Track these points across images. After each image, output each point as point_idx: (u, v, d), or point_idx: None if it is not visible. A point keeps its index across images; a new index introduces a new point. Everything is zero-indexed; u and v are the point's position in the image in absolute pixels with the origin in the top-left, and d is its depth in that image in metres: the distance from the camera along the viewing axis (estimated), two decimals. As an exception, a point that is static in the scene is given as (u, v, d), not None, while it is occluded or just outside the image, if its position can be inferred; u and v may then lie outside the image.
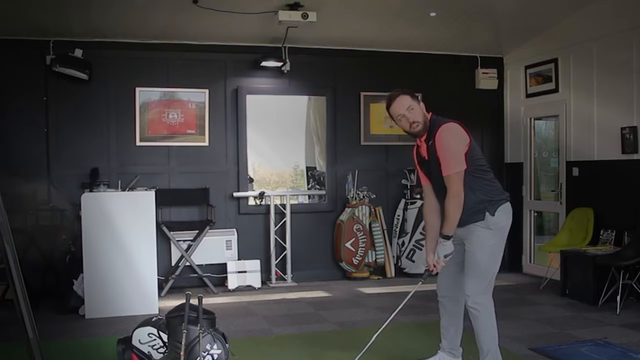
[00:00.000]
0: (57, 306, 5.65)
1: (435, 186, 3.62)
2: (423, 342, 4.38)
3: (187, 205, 6.92)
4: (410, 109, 3.54)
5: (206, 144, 7.00)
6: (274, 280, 7.01)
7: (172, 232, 6.59)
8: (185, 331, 3.33)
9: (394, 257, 7.53)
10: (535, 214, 7.72)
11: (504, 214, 3.54)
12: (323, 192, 7.58)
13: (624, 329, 4.91)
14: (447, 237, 3.51)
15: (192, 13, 5.88)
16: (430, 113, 3.64)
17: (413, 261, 7.35)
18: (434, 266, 3.59)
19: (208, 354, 3.39)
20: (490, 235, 3.51)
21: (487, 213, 3.49)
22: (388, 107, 3.62)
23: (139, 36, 6.66)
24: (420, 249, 7.27)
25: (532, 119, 7.64)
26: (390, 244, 7.53)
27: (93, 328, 5.08)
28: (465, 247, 3.60)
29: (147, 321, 3.78)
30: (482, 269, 3.52)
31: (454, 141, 3.45)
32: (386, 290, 6.72)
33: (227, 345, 3.50)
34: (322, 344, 4.59)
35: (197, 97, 6.97)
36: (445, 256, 3.55)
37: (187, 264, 6.59)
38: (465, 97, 7.73)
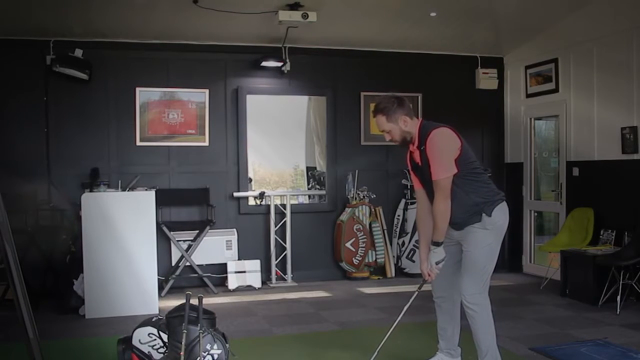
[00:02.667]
0: (57, 306, 5.65)
1: (428, 192, 3.62)
2: (423, 342, 4.38)
3: (187, 205, 6.92)
4: (386, 131, 3.61)
5: (206, 144, 7.01)
6: (274, 280, 7.01)
7: (172, 232, 6.59)
8: (185, 331, 3.33)
9: (394, 257, 7.53)
10: (535, 214, 7.72)
11: (500, 214, 3.54)
12: (323, 192, 7.58)
13: (624, 329, 4.92)
14: (438, 244, 3.52)
15: (192, 13, 5.88)
16: (421, 119, 3.63)
17: (413, 261, 7.35)
18: (428, 275, 3.60)
19: (208, 354, 3.39)
20: (487, 235, 3.52)
21: (483, 214, 3.49)
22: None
23: (139, 36, 6.66)
24: (420, 249, 7.28)
25: (532, 119, 7.64)
26: (391, 244, 7.53)
27: (93, 328, 5.08)
28: (462, 248, 3.61)
29: (147, 321, 3.78)
30: (479, 268, 3.53)
31: (444, 146, 3.45)
32: (386, 290, 6.72)
33: (227, 345, 3.50)
34: (322, 344, 4.59)
35: (197, 97, 6.97)
36: (437, 263, 3.55)
37: (187, 264, 6.59)
38: (465, 97, 7.73)
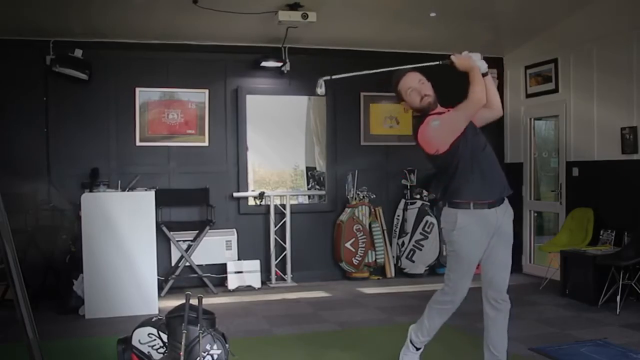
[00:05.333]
0: (57, 306, 5.65)
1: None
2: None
3: (187, 206, 6.92)
4: (422, 82, 3.59)
5: (206, 144, 7.00)
6: (273, 281, 7.01)
7: (172, 232, 6.59)
8: (185, 331, 3.32)
9: (393, 257, 7.53)
10: (535, 214, 7.72)
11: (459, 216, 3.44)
12: (323, 192, 7.58)
13: (624, 329, 4.92)
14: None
15: (192, 13, 5.88)
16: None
17: (413, 261, 7.35)
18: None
19: (208, 354, 3.39)
20: (449, 235, 3.48)
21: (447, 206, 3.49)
22: (397, 84, 3.61)
23: (139, 36, 6.65)
24: (420, 249, 7.28)
25: (532, 119, 7.64)
26: (390, 244, 7.53)
27: (93, 328, 5.08)
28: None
29: (147, 321, 3.78)
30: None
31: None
32: (386, 290, 6.72)
33: (227, 345, 3.50)
34: (322, 344, 4.59)
35: (197, 97, 6.97)
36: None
37: (187, 264, 6.59)
38: (466, 97, 7.71)
